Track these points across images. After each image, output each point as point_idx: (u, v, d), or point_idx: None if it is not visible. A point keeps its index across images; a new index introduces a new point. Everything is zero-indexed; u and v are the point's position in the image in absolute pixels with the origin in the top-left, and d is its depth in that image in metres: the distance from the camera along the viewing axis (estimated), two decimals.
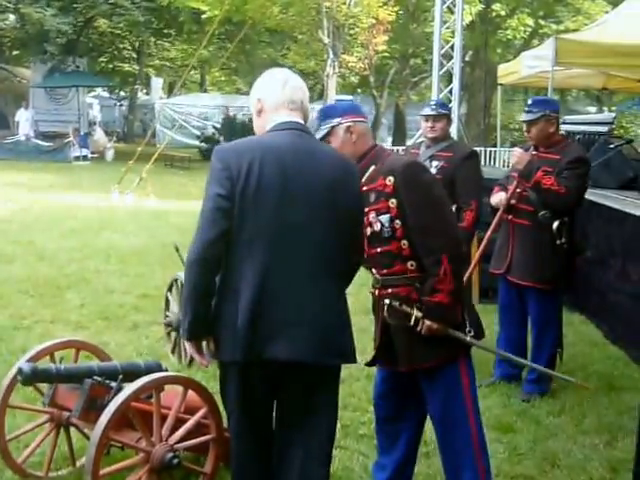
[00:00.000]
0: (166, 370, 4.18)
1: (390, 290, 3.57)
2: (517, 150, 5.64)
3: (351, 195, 3.24)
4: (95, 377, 3.75)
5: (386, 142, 33.58)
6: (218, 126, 28.67)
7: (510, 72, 13.00)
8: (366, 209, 3.47)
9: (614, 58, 10.73)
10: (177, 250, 6.20)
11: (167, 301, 6.36)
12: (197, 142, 29.54)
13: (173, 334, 6.23)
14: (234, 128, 26.96)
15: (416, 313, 3.47)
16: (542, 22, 23.86)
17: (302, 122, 3.27)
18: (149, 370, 4.02)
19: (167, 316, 6.32)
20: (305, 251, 3.10)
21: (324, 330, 3.11)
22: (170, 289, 6.35)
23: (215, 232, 3.01)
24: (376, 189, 3.50)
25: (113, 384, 3.77)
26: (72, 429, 4.21)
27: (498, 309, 6.09)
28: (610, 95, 35.82)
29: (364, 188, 3.48)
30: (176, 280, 6.24)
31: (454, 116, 11.96)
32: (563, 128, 11.07)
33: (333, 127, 3.58)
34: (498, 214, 5.65)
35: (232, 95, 37.17)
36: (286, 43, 32.07)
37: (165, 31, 29.83)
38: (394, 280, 3.55)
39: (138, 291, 8.33)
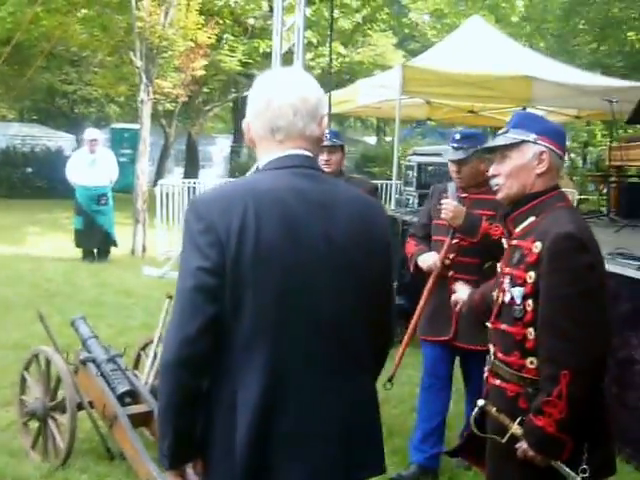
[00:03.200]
0: None
1: (498, 382, 2.80)
2: (449, 202, 4.65)
3: (378, 257, 2.40)
4: None
5: (173, 174, 32.61)
6: None
7: (344, 100, 12.56)
8: (507, 269, 2.79)
9: (459, 88, 10.60)
10: (42, 319, 4.99)
11: (23, 381, 5.11)
12: None
13: (33, 424, 5.02)
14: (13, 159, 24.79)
15: (515, 429, 2.67)
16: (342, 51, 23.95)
17: (306, 154, 2.37)
18: None
19: (23, 401, 5.07)
20: (323, 339, 2.28)
21: (348, 441, 2.32)
22: (27, 367, 5.11)
23: (198, 323, 2.16)
24: (522, 249, 2.74)
25: None
26: None
27: (426, 384, 5.03)
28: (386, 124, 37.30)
29: (513, 242, 2.81)
30: (37, 356, 5.03)
31: None
32: (414, 160, 10.76)
33: (524, 141, 2.79)
34: (432, 278, 4.76)
35: (4, 123, 34.57)
36: (64, 68, 30.23)
37: None
38: (506, 372, 2.78)
39: None
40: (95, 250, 12.92)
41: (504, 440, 2.68)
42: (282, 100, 2.33)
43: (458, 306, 3.00)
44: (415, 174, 10.42)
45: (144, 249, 13.90)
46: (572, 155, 26.26)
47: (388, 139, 36.65)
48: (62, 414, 4.85)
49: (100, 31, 14.90)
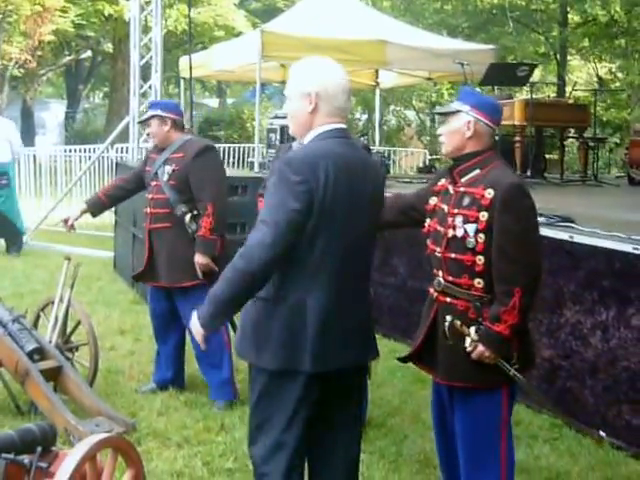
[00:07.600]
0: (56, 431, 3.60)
1: (449, 300, 3.59)
2: None
3: (382, 202, 3.52)
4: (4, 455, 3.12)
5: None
6: None
7: (200, 65, 13.01)
8: (455, 210, 3.57)
9: (317, 52, 11.14)
10: None
11: None
12: None
13: None
14: None
15: (472, 336, 3.48)
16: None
17: (345, 126, 3.35)
18: (44, 435, 3.45)
19: None
20: (361, 262, 3.38)
21: (368, 331, 3.47)
22: None
23: (283, 247, 3.12)
24: (472, 195, 3.53)
25: (26, 460, 3.18)
26: None
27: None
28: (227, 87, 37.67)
29: (460, 189, 3.59)
30: None
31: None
32: (276, 123, 11.37)
33: (460, 111, 3.59)
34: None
35: None
36: None
37: None
38: (456, 292, 3.56)
39: None
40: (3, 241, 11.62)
41: (467, 346, 3.49)
42: (336, 86, 3.28)
43: None
44: (278, 137, 11.03)
45: None
46: (421, 115, 27.51)
47: (230, 101, 36.97)
48: None
49: None
